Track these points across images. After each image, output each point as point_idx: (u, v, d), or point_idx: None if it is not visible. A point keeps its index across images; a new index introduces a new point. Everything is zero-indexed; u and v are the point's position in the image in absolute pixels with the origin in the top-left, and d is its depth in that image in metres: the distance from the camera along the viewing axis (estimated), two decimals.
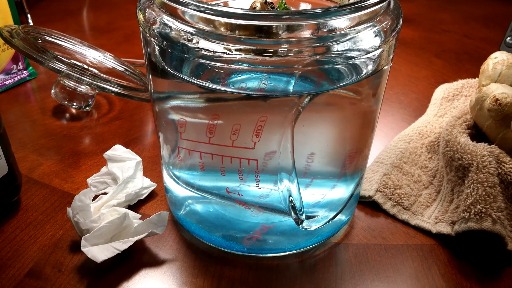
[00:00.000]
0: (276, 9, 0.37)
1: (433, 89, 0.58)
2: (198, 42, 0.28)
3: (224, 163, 0.33)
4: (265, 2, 0.36)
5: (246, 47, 0.27)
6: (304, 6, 0.41)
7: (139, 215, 0.39)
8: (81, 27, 0.77)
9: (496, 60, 0.44)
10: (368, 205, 0.43)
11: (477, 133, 0.43)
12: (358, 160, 0.37)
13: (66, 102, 0.52)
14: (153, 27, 0.30)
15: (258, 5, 0.36)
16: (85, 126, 0.52)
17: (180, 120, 0.34)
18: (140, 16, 0.32)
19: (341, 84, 0.30)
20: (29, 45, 0.46)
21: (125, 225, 0.36)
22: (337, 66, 0.29)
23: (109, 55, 0.58)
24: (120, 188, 0.40)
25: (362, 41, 0.29)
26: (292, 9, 0.40)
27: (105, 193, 0.42)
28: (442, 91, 0.55)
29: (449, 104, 0.53)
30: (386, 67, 0.33)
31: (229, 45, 0.28)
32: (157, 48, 0.31)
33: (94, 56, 0.57)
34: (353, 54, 0.29)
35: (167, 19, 0.30)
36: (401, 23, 0.32)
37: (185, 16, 0.29)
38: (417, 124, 0.51)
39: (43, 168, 0.46)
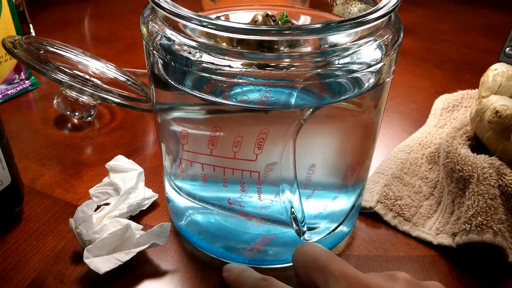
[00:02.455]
0: (278, 21, 0.37)
1: (433, 100, 0.59)
2: (201, 56, 0.28)
3: (226, 174, 0.33)
4: (267, 15, 0.36)
5: (248, 61, 0.28)
6: (303, 19, 0.41)
7: (141, 226, 0.39)
8: (82, 36, 0.77)
9: (496, 71, 0.45)
10: (369, 216, 0.43)
11: (477, 144, 0.43)
12: (360, 171, 0.38)
13: (68, 112, 0.53)
14: (156, 40, 0.31)
15: (259, 18, 0.36)
16: (87, 136, 0.53)
17: (182, 132, 0.34)
18: (144, 30, 0.32)
19: (342, 98, 0.30)
20: (32, 56, 0.47)
21: (128, 236, 0.36)
22: (338, 80, 0.29)
23: (111, 65, 0.58)
24: (122, 199, 0.40)
25: (364, 55, 0.29)
26: (293, 21, 0.40)
27: (107, 204, 0.42)
28: (442, 101, 0.55)
29: (449, 115, 0.53)
30: (387, 80, 0.33)
31: (231, 59, 0.28)
32: (160, 61, 0.31)
33: (96, 66, 0.57)
34: (354, 68, 0.29)
35: (170, 33, 0.30)
36: (402, 36, 0.32)
37: (188, 30, 0.29)
38: (417, 135, 0.52)
39: (45, 178, 0.46)
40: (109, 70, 0.58)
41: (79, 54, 0.57)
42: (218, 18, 0.40)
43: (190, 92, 0.30)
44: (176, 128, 0.35)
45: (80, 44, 0.74)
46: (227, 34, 0.27)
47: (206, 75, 0.29)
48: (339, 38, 0.28)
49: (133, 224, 0.38)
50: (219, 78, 0.29)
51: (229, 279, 0.34)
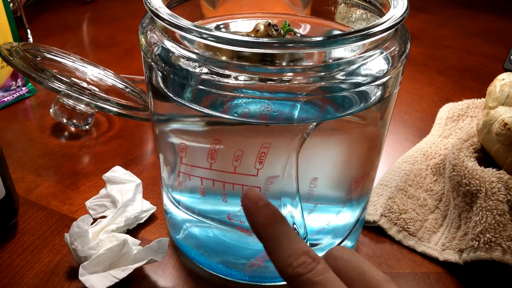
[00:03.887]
0: (280, 31, 0.36)
1: (436, 108, 0.58)
2: (201, 69, 0.27)
3: (226, 189, 0.32)
4: (269, 24, 0.35)
5: (249, 76, 0.27)
6: (306, 27, 0.40)
7: (138, 241, 0.38)
8: (81, 42, 0.76)
9: (504, 82, 0.44)
10: (373, 230, 0.42)
11: (484, 156, 0.42)
12: (364, 184, 0.36)
13: (65, 121, 0.52)
14: (155, 51, 0.30)
15: (261, 27, 0.35)
16: (84, 145, 0.51)
17: (181, 145, 0.33)
18: (142, 39, 0.31)
19: (347, 112, 0.29)
20: (28, 64, 0.45)
21: (124, 252, 0.35)
22: (343, 94, 0.28)
23: (109, 72, 0.57)
24: (119, 212, 0.39)
25: (370, 68, 0.28)
26: (296, 30, 0.39)
27: (104, 217, 0.41)
28: (446, 111, 0.54)
29: (454, 124, 0.52)
30: (394, 91, 0.32)
31: (232, 73, 0.27)
32: (158, 73, 0.30)
33: (94, 73, 0.56)
34: (360, 81, 0.28)
35: (170, 44, 0.29)
36: (409, 47, 0.31)
37: (187, 42, 0.28)
38: (422, 145, 0.50)
39: (41, 189, 0.45)
40: (107, 77, 0.57)
41: (77, 60, 0.56)
42: (218, 27, 0.39)
43: (189, 105, 0.29)
44: (175, 140, 0.34)
45: (79, 49, 0.73)
46: (228, 47, 0.26)
47: (206, 88, 0.28)
48: (344, 51, 0.27)
49: (130, 239, 0.37)
50: (219, 92, 0.28)
51: None
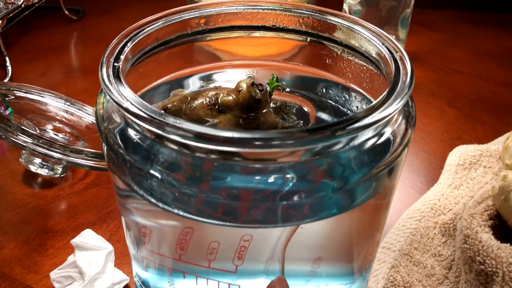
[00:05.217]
0: (265, 90, 0.31)
1: (446, 148, 0.53)
2: (161, 164, 0.23)
3: (199, 285, 0.28)
4: (252, 84, 0.30)
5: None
6: (295, 78, 0.35)
7: None
8: (64, 67, 0.71)
9: None
10: None
11: (500, 223, 0.37)
12: (368, 250, 0.32)
13: (36, 170, 0.47)
14: (111, 126, 0.25)
15: (244, 86, 0.30)
16: (57, 195, 0.47)
17: (143, 229, 0.28)
18: (99, 109, 0.27)
19: (347, 207, 0.25)
20: None
21: None
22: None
23: (88, 108, 0.53)
24: None
25: (369, 158, 0.24)
26: (283, 84, 0.34)
27: None
28: (457, 156, 0.49)
29: (466, 173, 0.47)
30: (400, 166, 0.27)
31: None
32: (114, 158, 0.25)
33: (70, 110, 0.51)
34: (358, 170, 0.23)
35: (128, 129, 0.24)
36: (414, 115, 0.27)
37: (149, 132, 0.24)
38: (430, 197, 0.45)
39: (5, 253, 0.40)
40: (85, 113, 0.52)
41: (52, 97, 0.51)
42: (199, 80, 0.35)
43: (148, 197, 0.24)
44: (137, 219, 0.29)
45: (61, 76, 0.68)
46: (195, 144, 0.21)
47: (167, 187, 0.23)
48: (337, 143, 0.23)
49: None
50: (183, 189, 0.23)
51: None
